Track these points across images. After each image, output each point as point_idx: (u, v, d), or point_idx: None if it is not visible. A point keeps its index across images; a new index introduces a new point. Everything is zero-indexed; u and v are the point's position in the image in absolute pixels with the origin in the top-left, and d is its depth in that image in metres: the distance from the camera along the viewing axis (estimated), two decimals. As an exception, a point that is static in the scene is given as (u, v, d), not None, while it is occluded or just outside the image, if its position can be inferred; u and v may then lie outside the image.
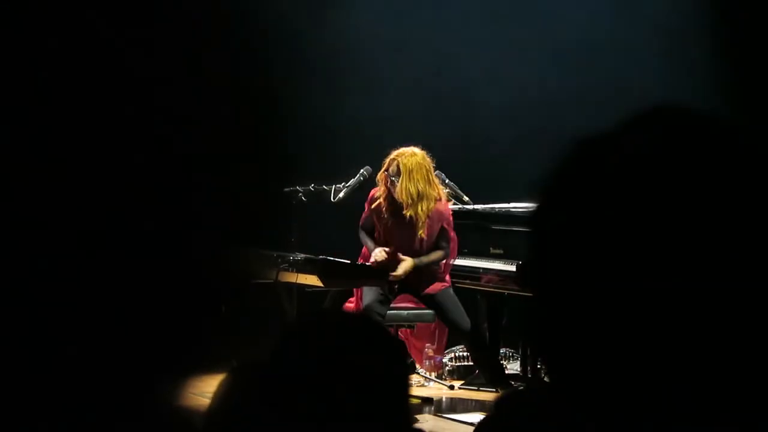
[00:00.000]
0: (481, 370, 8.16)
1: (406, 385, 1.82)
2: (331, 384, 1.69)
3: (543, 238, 1.14)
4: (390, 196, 7.75)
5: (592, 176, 1.10)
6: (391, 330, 7.98)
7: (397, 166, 7.63)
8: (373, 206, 7.88)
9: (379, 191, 7.83)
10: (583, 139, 1.13)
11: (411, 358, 8.51)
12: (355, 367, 1.71)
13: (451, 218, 7.91)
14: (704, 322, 1.04)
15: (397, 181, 7.62)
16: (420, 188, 7.62)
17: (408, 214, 7.67)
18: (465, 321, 7.90)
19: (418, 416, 7.26)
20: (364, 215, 8.03)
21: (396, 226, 7.81)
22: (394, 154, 7.68)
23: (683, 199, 1.06)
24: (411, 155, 7.65)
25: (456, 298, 7.94)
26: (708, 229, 1.05)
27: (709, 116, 1.11)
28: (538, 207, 1.14)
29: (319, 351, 1.72)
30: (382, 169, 7.75)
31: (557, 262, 1.11)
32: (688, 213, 1.05)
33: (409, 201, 7.62)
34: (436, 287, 7.93)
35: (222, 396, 1.75)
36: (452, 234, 7.90)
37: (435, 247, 7.90)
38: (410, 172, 7.61)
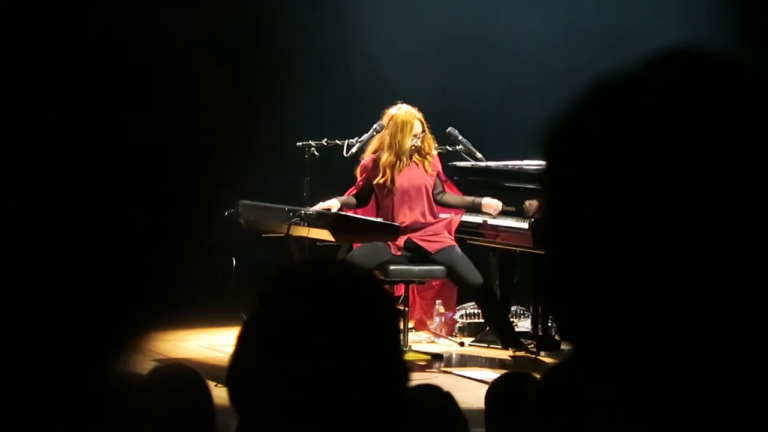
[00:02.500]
0: (492, 328, 8.18)
1: (396, 332, 1.80)
2: (317, 334, 1.66)
3: (555, 189, 1.10)
4: (396, 156, 7.87)
5: (605, 122, 1.06)
6: (401, 286, 7.99)
7: (420, 123, 7.90)
8: (378, 172, 7.98)
9: (388, 156, 7.91)
10: (596, 84, 1.09)
11: (400, 307, 8.54)
12: (339, 316, 1.68)
13: (439, 162, 8.23)
14: (727, 283, 1.01)
15: (424, 135, 7.94)
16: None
17: (426, 161, 7.97)
18: (476, 277, 7.94)
19: (427, 372, 7.27)
20: (357, 185, 8.10)
21: (409, 179, 7.93)
22: (413, 115, 7.92)
23: (704, 147, 1.02)
24: (412, 110, 7.96)
25: (465, 256, 7.96)
26: (729, 179, 1.01)
27: (728, 59, 1.07)
28: (548, 156, 1.11)
29: (299, 301, 1.69)
30: (408, 136, 7.87)
31: (569, 215, 1.08)
32: (709, 163, 1.02)
33: (428, 148, 7.99)
34: (443, 245, 7.93)
35: (237, 348, 1.74)
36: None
37: (442, 200, 8.15)
38: (424, 121, 7.94)
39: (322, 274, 1.76)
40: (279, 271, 1.80)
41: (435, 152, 8.11)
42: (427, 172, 8.00)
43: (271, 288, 1.73)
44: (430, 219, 7.99)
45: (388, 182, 7.89)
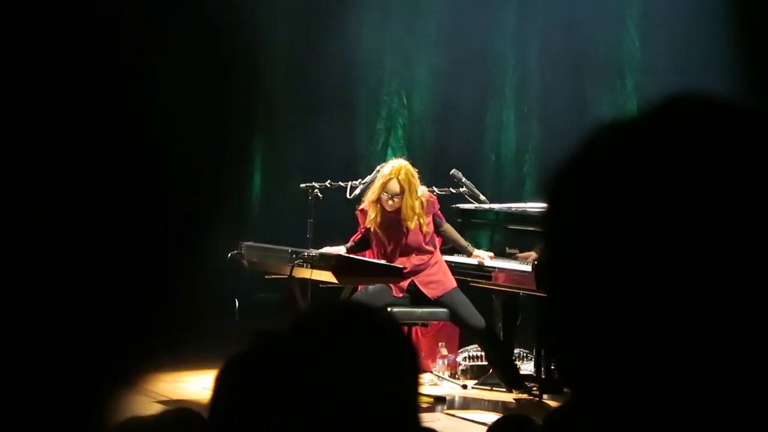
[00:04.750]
0: (496, 370, 8.13)
1: (416, 383, 1.80)
2: (337, 379, 1.66)
3: (556, 233, 1.11)
4: (384, 212, 7.74)
5: (607, 168, 1.07)
6: (404, 329, 7.96)
7: (398, 184, 7.66)
8: (368, 225, 7.86)
9: (371, 211, 7.79)
10: (598, 129, 1.09)
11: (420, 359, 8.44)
12: (364, 363, 1.68)
13: (437, 203, 8.00)
14: (728, 328, 1.01)
15: (399, 199, 7.66)
16: (419, 197, 7.73)
17: (412, 225, 7.72)
18: (478, 320, 7.90)
19: (429, 415, 7.23)
20: (360, 231, 7.99)
21: (399, 235, 7.80)
22: (389, 173, 7.69)
23: (705, 195, 1.02)
24: (402, 167, 7.71)
25: (466, 299, 7.94)
26: (732, 227, 1.02)
27: (732, 104, 1.07)
28: (550, 200, 1.11)
29: (327, 344, 1.69)
30: (378, 192, 7.70)
31: (570, 259, 1.08)
32: (711, 210, 1.02)
33: (411, 213, 7.71)
34: (445, 289, 7.88)
35: (224, 385, 1.73)
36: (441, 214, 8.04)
37: (440, 232, 8.02)
38: (410, 184, 7.68)
39: (349, 318, 1.76)
40: (301, 315, 1.80)
41: (424, 193, 7.87)
42: (422, 230, 7.80)
43: (294, 333, 1.72)
44: (426, 258, 7.90)
45: (375, 227, 7.80)
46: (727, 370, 1.02)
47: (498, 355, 8.11)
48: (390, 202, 7.69)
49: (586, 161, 1.09)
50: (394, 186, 7.67)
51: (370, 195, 7.79)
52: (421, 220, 7.76)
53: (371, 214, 7.79)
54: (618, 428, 1.06)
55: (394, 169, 7.69)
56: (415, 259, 7.84)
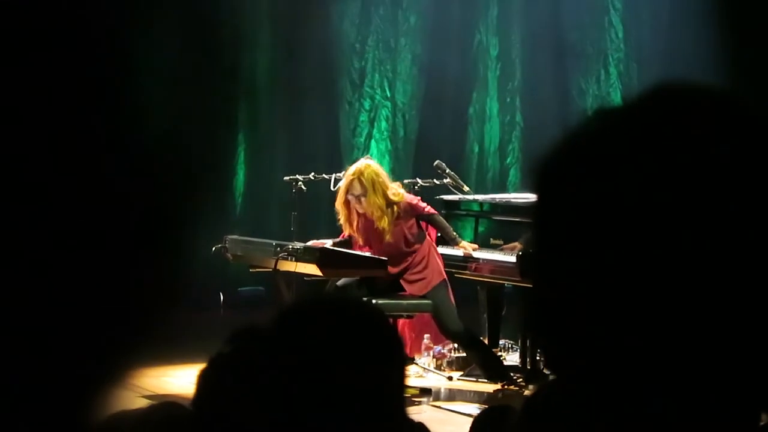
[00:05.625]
0: (480, 368, 8.09)
1: (402, 375, 1.79)
2: (324, 372, 1.66)
3: (544, 223, 1.11)
4: (360, 216, 7.65)
5: (595, 157, 1.07)
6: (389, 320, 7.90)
7: (360, 183, 7.54)
8: (345, 231, 7.81)
9: (341, 215, 7.70)
10: (585, 119, 1.09)
11: (408, 353, 8.42)
12: (350, 357, 1.68)
13: (420, 204, 7.82)
14: (709, 313, 1.01)
15: (365, 199, 7.55)
16: (386, 195, 7.58)
17: (381, 226, 7.60)
18: (454, 323, 7.81)
19: (415, 407, 7.24)
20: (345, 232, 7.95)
21: (376, 238, 7.72)
22: (351, 174, 7.58)
23: (693, 184, 1.03)
24: (366, 167, 7.59)
25: (447, 299, 7.83)
26: (712, 211, 1.02)
27: (718, 93, 1.08)
28: (538, 189, 1.11)
29: (313, 338, 1.69)
30: (344, 194, 7.61)
31: (557, 249, 1.08)
32: (698, 200, 1.02)
33: (379, 213, 7.57)
34: (426, 286, 7.85)
35: (209, 383, 1.73)
36: (427, 210, 7.85)
37: (429, 225, 7.90)
38: (373, 183, 7.54)
39: (334, 310, 1.75)
40: (285, 309, 1.79)
41: (402, 199, 7.67)
42: (384, 231, 7.60)
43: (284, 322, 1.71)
44: (410, 258, 7.78)
45: (351, 232, 7.74)
46: (710, 359, 1.02)
47: (477, 355, 8.06)
48: (358, 204, 7.59)
49: (573, 152, 1.09)
50: (356, 186, 7.54)
51: (338, 198, 7.70)
52: (386, 223, 7.57)
53: (341, 217, 7.70)
54: (601, 414, 1.07)
55: (357, 169, 7.57)
56: (396, 263, 7.72)
